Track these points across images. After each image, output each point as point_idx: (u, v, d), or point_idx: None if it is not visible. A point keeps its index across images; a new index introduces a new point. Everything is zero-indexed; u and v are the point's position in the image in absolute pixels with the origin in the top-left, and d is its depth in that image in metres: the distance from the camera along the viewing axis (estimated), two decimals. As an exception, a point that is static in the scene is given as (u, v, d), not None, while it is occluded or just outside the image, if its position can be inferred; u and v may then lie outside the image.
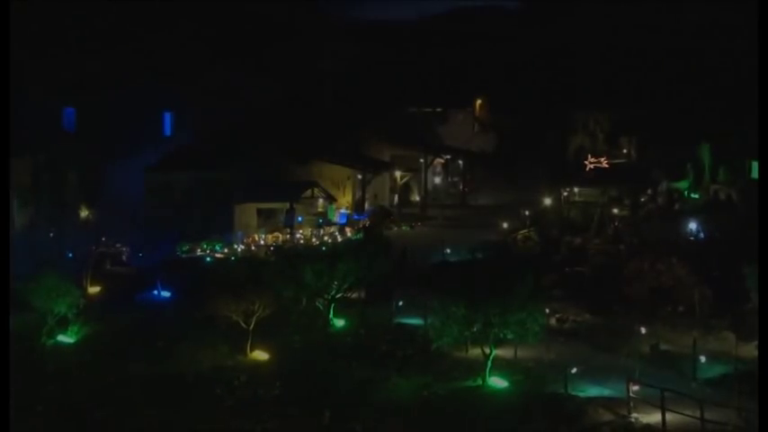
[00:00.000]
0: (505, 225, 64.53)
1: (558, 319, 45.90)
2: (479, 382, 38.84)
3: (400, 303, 47.44)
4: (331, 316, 46.23)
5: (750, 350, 40.78)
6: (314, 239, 62.40)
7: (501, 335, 38.86)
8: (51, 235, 61.79)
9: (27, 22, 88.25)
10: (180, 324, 46.46)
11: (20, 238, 60.48)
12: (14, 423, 40.45)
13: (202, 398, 40.64)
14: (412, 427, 36.38)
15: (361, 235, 61.34)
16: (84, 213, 67.24)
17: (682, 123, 70.89)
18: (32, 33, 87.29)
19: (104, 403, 41.43)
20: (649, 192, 65.63)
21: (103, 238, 57.98)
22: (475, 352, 40.44)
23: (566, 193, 68.17)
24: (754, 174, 62.30)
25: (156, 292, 52.68)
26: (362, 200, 70.42)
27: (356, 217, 69.50)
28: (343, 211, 70.39)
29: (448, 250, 57.45)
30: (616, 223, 61.32)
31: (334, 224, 67.22)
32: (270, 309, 44.04)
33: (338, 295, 46.28)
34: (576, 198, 68.35)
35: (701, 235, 57.69)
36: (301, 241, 61.57)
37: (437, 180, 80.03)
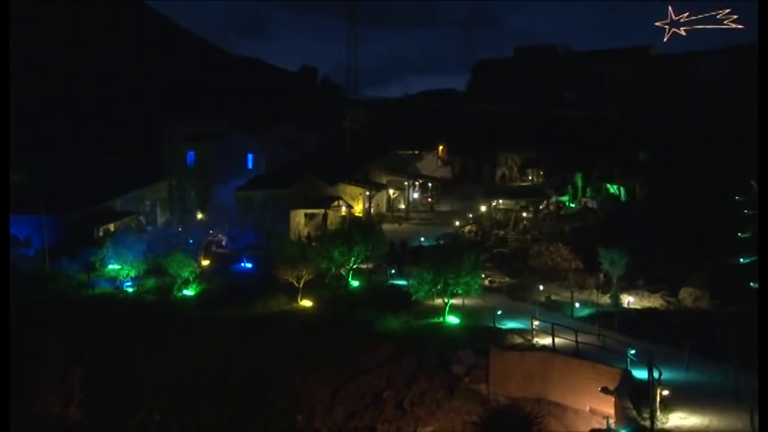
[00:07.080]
0: (457, 223, 64.53)
1: (489, 281, 46.03)
2: (441, 319, 39.04)
3: (392, 271, 47.54)
4: (350, 279, 46.27)
5: (605, 300, 41.20)
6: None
7: (454, 291, 39.08)
8: (180, 229, 61.85)
9: (169, 101, 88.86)
10: (257, 284, 46.55)
11: (161, 232, 60.73)
12: (158, 335, 41.63)
13: (273, 326, 40.96)
14: (401, 344, 36.51)
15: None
16: (199, 216, 67.34)
17: (565, 160, 71.02)
18: (168, 106, 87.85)
19: (213, 329, 41.79)
20: (545, 202, 65.65)
21: (211, 231, 58.05)
22: (438, 301, 40.62)
23: (494, 203, 68.13)
24: (611, 191, 62.29)
25: (242, 264, 52.77)
26: (369, 208, 70.34)
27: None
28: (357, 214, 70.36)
29: (422, 239, 57.51)
30: (524, 222, 61.46)
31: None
32: (312, 275, 44.27)
33: (354, 266, 46.31)
34: (500, 206, 68.31)
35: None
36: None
37: (415, 195, 79.84)
